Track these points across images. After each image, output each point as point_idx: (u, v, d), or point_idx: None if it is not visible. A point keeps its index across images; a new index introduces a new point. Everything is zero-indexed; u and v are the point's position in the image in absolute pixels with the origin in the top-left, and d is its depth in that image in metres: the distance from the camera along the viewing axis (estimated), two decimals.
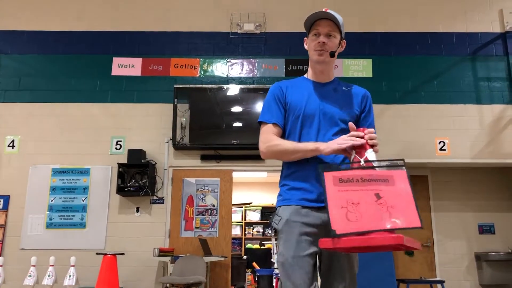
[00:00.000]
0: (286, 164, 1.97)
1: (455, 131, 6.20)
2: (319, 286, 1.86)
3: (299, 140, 1.92)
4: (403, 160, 1.57)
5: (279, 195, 1.96)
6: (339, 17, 1.95)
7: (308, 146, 1.83)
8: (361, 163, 1.61)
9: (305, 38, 2.04)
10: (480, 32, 6.57)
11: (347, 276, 1.85)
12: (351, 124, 1.82)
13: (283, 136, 2.01)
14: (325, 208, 1.61)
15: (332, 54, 1.97)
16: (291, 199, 1.88)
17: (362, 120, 2.03)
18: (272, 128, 1.97)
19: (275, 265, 8.05)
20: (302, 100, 1.97)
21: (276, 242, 1.97)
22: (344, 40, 2.02)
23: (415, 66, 6.43)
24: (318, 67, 2.01)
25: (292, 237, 1.81)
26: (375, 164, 1.60)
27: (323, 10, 1.93)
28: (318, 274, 1.90)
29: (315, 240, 1.78)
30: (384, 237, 1.44)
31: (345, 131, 1.92)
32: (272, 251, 9.46)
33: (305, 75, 2.10)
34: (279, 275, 1.83)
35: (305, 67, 2.16)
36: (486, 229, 6.67)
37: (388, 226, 1.46)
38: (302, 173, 1.88)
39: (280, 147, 1.89)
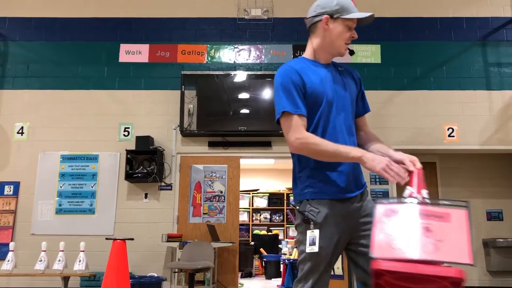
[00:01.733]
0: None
1: (464, 117, 6.14)
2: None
3: (324, 132, 1.84)
4: (467, 201, 1.49)
5: (309, 186, 1.84)
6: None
7: (350, 153, 1.73)
8: (418, 200, 1.55)
9: (328, 16, 1.88)
10: (491, 16, 6.47)
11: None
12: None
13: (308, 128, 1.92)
14: (356, 197, 1.82)
15: (352, 53, 1.99)
16: (326, 192, 1.81)
17: (360, 101, 2.03)
18: (300, 121, 1.80)
19: (283, 251, 8.10)
20: (322, 86, 1.87)
21: (301, 230, 1.88)
22: None
23: (424, 51, 6.35)
24: (330, 57, 1.97)
25: (331, 232, 1.78)
26: (431, 202, 1.54)
27: (372, 13, 1.87)
28: (345, 255, 1.92)
29: (348, 233, 1.82)
30: (438, 269, 1.35)
31: (349, 115, 1.94)
32: (288, 237, 9.50)
33: (305, 55, 1.99)
34: (306, 261, 1.79)
35: None
36: (494, 216, 6.65)
37: (434, 258, 1.39)
38: (332, 165, 1.82)
39: (318, 148, 1.76)
